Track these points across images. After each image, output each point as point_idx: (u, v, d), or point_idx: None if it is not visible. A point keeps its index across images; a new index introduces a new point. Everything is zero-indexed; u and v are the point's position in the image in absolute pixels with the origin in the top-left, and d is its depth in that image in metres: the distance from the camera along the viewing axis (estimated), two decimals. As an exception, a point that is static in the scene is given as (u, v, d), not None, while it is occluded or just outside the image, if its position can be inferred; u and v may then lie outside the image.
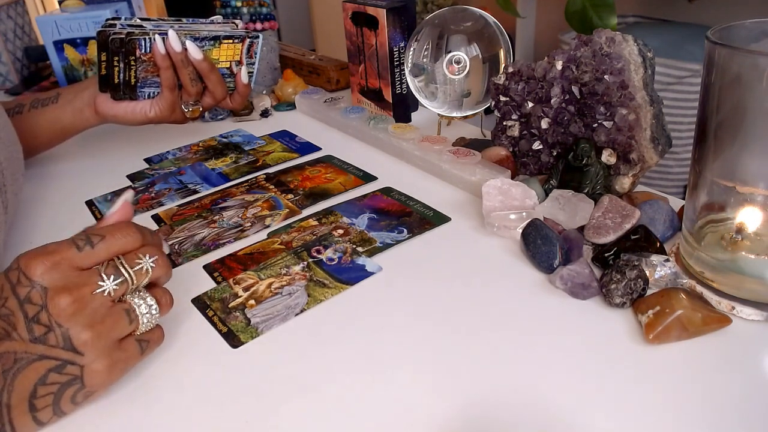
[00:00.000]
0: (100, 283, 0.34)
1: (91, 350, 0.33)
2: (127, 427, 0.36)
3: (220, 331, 0.43)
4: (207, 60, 0.65)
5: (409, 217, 0.56)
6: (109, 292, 0.34)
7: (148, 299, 0.36)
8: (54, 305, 0.32)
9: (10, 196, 0.53)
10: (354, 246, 0.52)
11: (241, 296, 0.47)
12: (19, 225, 0.60)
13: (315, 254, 0.51)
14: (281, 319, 0.44)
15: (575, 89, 0.54)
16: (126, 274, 0.35)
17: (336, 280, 0.48)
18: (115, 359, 0.35)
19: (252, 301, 0.46)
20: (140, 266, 0.35)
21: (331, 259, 0.50)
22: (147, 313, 0.36)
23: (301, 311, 0.44)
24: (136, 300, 0.36)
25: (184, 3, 1.38)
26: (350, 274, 0.48)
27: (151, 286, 0.38)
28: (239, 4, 0.95)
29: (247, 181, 0.67)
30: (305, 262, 0.50)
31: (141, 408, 0.37)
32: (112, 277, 0.34)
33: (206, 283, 0.49)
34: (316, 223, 0.56)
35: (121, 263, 0.35)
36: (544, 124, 0.56)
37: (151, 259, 0.36)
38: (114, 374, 0.35)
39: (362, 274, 0.48)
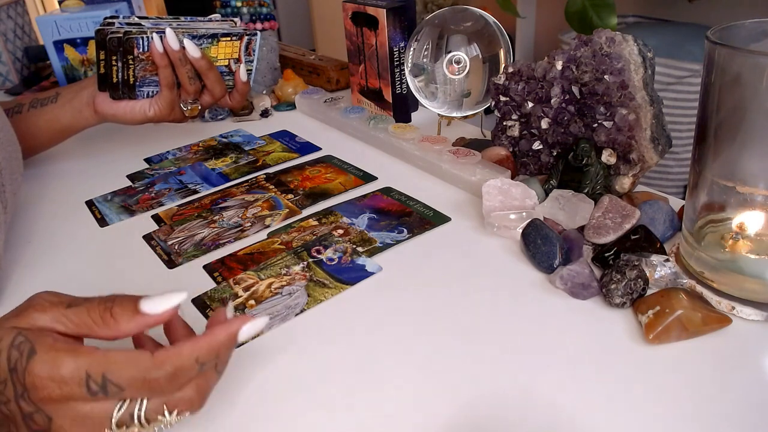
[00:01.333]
0: None
1: None
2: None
3: (219, 331, 0.43)
4: (205, 58, 0.65)
5: (409, 217, 0.56)
6: None
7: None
8: None
9: (9, 195, 0.53)
10: (354, 246, 0.52)
11: (241, 296, 0.46)
12: (19, 225, 0.60)
13: (315, 254, 0.51)
14: (281, 319, 0.44)
15: (575, 89, 0.54)
16: (139, 426, 0.30)
17: (336, 280, 0.48)
18: None
19: (252, 301, 0.46)
20: (161, 422, 0.30)
21: (331, 259, 0.50)
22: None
23: (301, 311, 0.44)
24: None
25: (184, 2, 1.38)
26: (350, 274, 0.48)
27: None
28: (239, 4, 0.95)
29: (247, 181, 0.66)
30: (305, 262, 0.50)
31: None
32: (124, 427, 0.30)
33: (206, 283, 0.49)
34: (316, 223, 0.56)
35: (139, 415, 0.30)
36: (544, 124, 0.56)
37: (175, 417, 0.31)
38: None
39: (362, 274, 0.48)
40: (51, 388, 0.29)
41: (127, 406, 0.30)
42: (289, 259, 0.51)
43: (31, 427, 0.30)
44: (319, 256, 0.51)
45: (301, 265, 0.50)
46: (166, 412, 0.30)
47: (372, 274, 0.48)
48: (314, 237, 0.54)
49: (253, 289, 0.47)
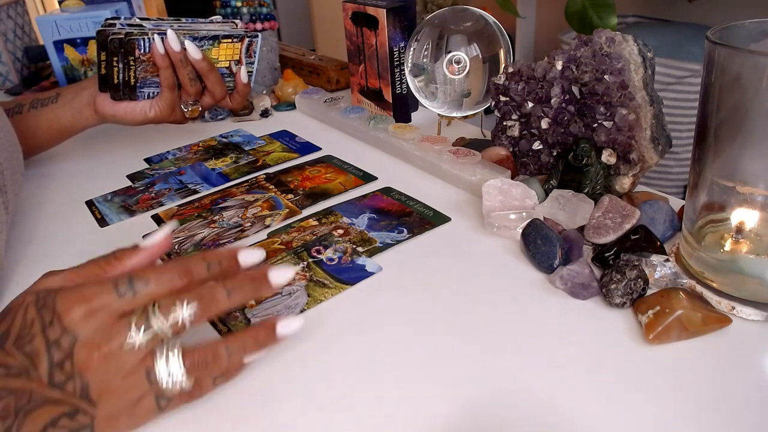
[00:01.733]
0: (130, 339, 0.32)
1: (106, 404, 0.32)
2: (127, 427, 0.36)
3: (220, 332, 0.43)
4: (206, 59, 0.65)
5: (409, 217, 0.56)
6: (139, 346, 0.32)
7: (173, 364, 0.32)
8: (80, 358, 0.31)
9: (10, 196, 0.53)
10: (354, 246, 0.52)
11: (241, 296, 0.46)
12: (19, 225, 0.60)
13: (315, 254, 0.51)
14: (281, 319, 0.44)
15: (575, 89, 0.54)
16: (156, 327, 0.32)
17: (336, 280, 0.48)
18: (129, 414, 0.33)
19: (252, 301, 0.46)
20: (174, 316, 0.32)
21: (331, 259, 0.50)
22: (168, 379, 0.32)
23: (301, 311, 0.44)
24: (160, 364, 0.32)
25: (184, 3, 1.38)
26: (350, 274, 0.48)
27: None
28: (239, 4, 0.95)
29: (247, 181, 0.67)
30: (305, 262, 0.50)
31: (141, 408, 0.37)
32: (142, 329, 0.32)
33: (206, 283, 0.49)
34: (316, 223, 0.56)
35: (154, 311, 0.32)
36: (544, 124, 0.56)
37: (189, 311, 0.33)
38: (125, 428, 0.34)
39: (362, 274, 0.48)
40: (81, 307, 0.31)
41: (143, 310, 0.32)
42: (289, 259, 0.51)
43: (53, 357, 0.31)
44: (319, 256, 0.51)
45: (301, 265, 0.50)
46: (179, 303, 0.33)
47: (372, 274, 0.48)
48: (314, 237, 0.54)
49: (253, 289, 0.47)
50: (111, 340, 0.32)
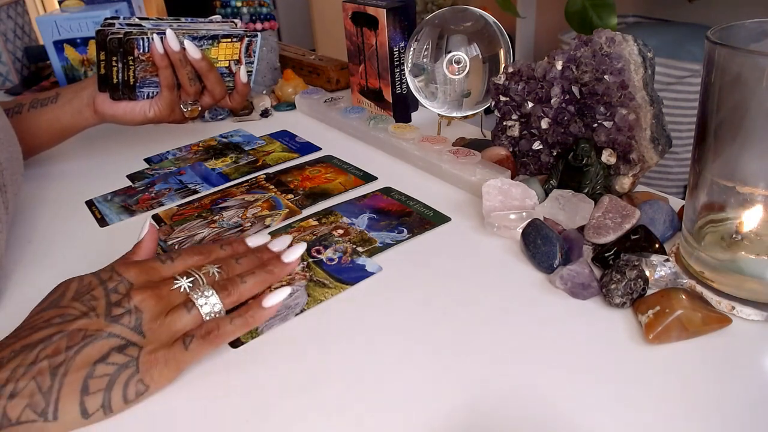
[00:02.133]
0: (176, 281, 0.39)
1: (153, 337, 0.37)
2: (127, 428, 0.36)
3: (219, 331, 0.43)
4: (205, 59, 0.65)
5: (409, 217, 0.56)
6: (184, 288, 0.39)
7: (211, 297, 0.40)
8: (136, 293, 0.37)
9: (10, 196, 0.53)
10: (354, 246, 0.52)
11: (240, 296, 0.46)
12: (19, 225, 0.60)
13: (315, 254, 0.51)
14: (281, 319, 0.44)
15: (575, 89, 0.54)
16: (196, 274, 0.40)
17: (336, 280, 0.48)
18: (166, 349, 0.37)
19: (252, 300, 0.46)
20: (206, 270, 0.41)
21: (331, 259, 0.50)
22: (207, 308, 0.39)
23: (301, 311, 0.44)
24: (200, 300, 0.39)
25: (184, 3, 1.38)
26: (350, 274, 0.48)
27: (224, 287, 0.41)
28: (239, 4, 0.95)
29: (247, 181, 0.66)
30: (305, 262, 0.50)
31: (140, 408, 0.37)
32: (185, 277, 0.40)
33: (206, 283, 0.49)
34: (316, 223, 0.56)
35: (192, 269, 0.41)
36: (544, 124, 0.56)
37: (216, 267, 0.41)
38: (162, 365, 0.37)
39: (362, 274, 0.48)
40: (135, 266, 0.40)
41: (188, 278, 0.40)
42: (289, 259, 0.51)
43: (111, 299, 0.37)
44: (319, 256, 0.51)
45: (301, 265, 0.50)
46: (208, 265, 0.41)
47: (372, 274, 0.48)
48: (314, 237, 0.54)
49: (253, 289, 0.47)
50: (161, 286, 0.39)
